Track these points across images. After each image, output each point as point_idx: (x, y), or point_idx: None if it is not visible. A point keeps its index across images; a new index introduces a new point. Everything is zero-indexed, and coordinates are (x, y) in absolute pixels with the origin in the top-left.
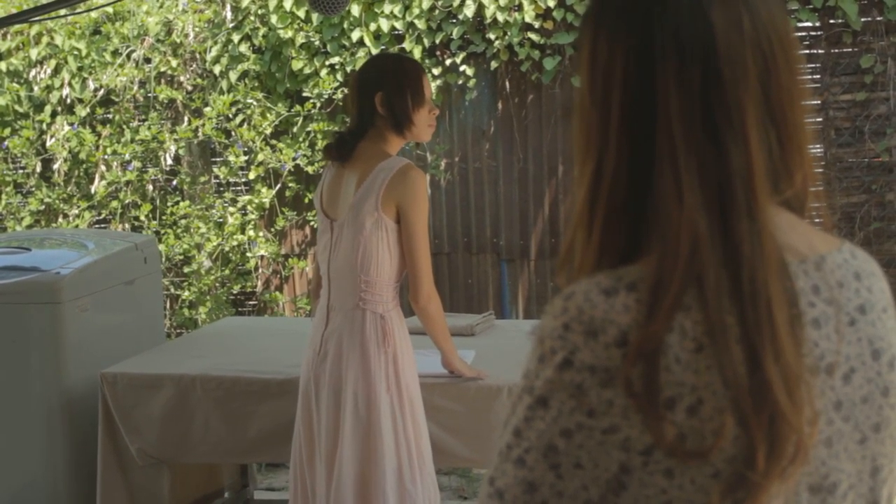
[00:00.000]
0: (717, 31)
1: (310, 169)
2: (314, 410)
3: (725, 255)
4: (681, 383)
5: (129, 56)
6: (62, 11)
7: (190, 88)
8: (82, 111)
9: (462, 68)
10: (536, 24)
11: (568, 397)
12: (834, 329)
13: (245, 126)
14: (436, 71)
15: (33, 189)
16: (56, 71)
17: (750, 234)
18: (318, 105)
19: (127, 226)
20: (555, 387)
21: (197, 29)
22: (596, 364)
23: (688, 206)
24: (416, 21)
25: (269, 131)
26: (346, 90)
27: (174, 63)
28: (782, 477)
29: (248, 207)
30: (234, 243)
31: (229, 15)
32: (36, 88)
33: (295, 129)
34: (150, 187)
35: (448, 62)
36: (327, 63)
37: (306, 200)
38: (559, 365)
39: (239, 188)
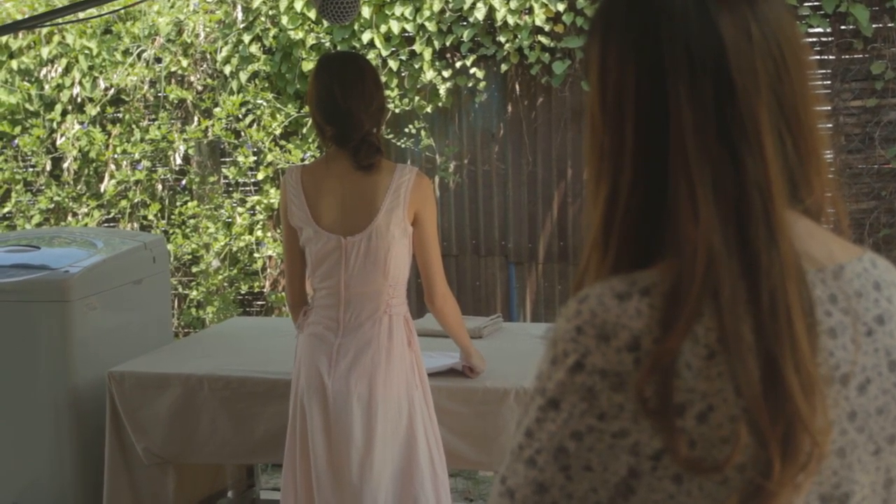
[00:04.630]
0: (727, 41)
1: None
2: (335, 421)
3: (743, 266)
4: (691, 389)
5: (139, 56)
6: (81, 14)
7: (200, 88)
8: (92, 110)
9: (472, 71)
10: (547, 28)
11: (579, 400)
12: (850, 339)
13: (254, 126)
14: (446, 73)
15: (43, 187)
16: (67, 70)
17: (768, 244)
18: None
19: (136, 225)
20: (566, 389)
21: (207, 29)
22: (607, 368)
23: (703, 221)
24: (426, 23)
25: (278, 132)
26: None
27: (184, 63)
28: (795, 484)
29: (257, 208)
30: (242, 243)
31: (240, 15)
32: (47, 87)
33: (304, 130)
34: (160, 187)
35: (458, 65)
36: None
37: None
38: (571, 368)
39: (248, 188)
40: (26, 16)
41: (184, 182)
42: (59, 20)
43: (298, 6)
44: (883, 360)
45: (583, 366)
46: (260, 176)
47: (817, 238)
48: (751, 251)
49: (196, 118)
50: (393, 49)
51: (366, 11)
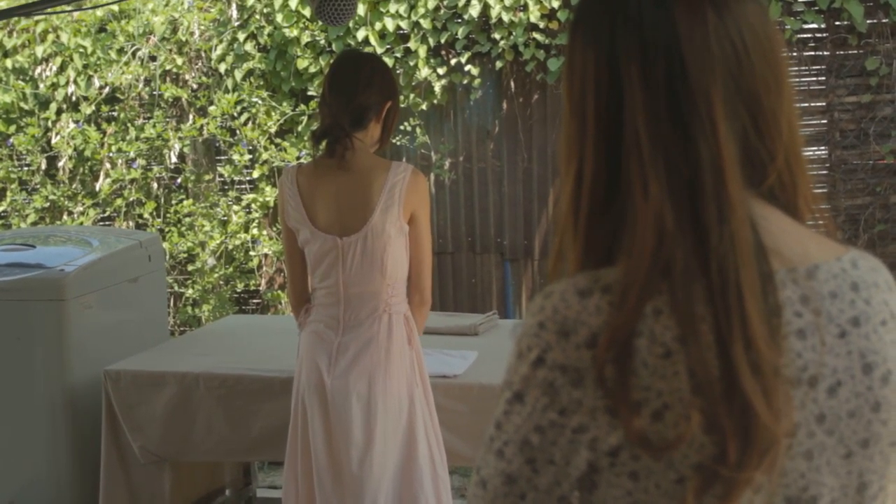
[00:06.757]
0: (680, 23)
1: None
2: (334, 419)
3: (695, 244)
4: (647, 388)
5: (134, 54)
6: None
7: (195, 87)
8: (87, 109)
9: (467, 68)
10: (541, 25)
11: (541, 394)
12: (820, 340)
13: (250, 125)
14: (441, 70)
15: (38, 186)
16: (62, 68)
17: (719, 221)
18: None
19: (131, 223)
20: (529, 383)
21: (202, 27)
22: (567, 363)
23: (653, 198)
24: (421, 21)
25: (273, 130)
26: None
27: (179, 61)
28: (759, 469)
29: (252, 206)
30: (238, 242)
31: (235, 13)
32: (41, 86)
33: (299, 128)
34: (155, 185)
35: (453, 62)
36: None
37: None
38: (533, 362)
39: (243, 186)
40: (14, 6)
41: (179, 180)
42: (50, 10)
43: (293, 4)
44: (856, 362)
45: (544, 361)
46: (255, 174)
47: (793, 236)
48: (701, 228)
49: (191, 116)
50: (388, 46)
51: (360, 9)
